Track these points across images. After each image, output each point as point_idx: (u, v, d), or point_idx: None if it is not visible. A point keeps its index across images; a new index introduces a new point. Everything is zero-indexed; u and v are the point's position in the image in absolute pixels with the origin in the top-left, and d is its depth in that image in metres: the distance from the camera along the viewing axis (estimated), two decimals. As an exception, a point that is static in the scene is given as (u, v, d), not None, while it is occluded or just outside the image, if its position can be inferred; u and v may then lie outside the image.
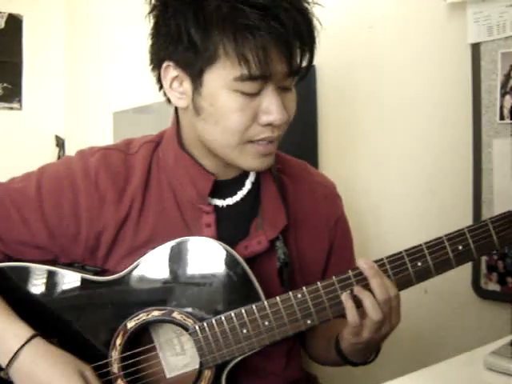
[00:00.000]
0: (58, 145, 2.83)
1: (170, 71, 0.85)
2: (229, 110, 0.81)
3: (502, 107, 1.19)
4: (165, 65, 0.85)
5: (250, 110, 0.81)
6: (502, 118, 1.19)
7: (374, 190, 1.47)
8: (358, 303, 0.82)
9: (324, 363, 1.06)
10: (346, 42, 1.47)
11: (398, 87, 1.40)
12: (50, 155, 2.75)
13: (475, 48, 1.22)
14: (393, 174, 1.42)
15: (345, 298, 0.82)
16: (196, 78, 0.82)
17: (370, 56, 1.44)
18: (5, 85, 2.69)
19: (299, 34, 0.79)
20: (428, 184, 1.35)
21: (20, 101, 2.74)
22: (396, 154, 1.41)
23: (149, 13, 0.86)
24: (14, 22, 2.71)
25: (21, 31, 2.73)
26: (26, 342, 0.82)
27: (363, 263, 0.82)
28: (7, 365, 0.81)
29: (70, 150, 2.78)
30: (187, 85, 0.84)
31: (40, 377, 0.81)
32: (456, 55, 1.27)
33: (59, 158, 2.79)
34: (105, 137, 2.40)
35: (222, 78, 0.80)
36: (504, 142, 1.19)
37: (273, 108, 0.81)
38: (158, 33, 0.85)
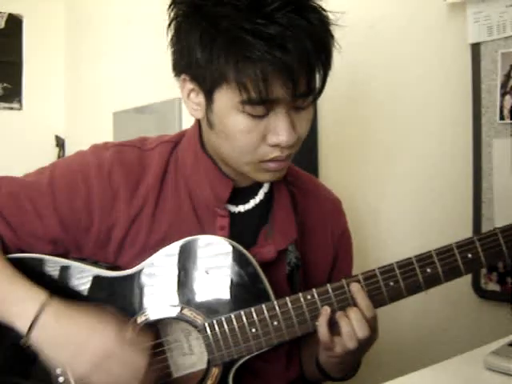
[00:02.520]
0: (57, 145, 2.83)
1: (187, 84, 0.86)
2: (236, 131, 0.82)
3: (502, 107, 1.19)
4: (182, 77, 0.86)
5: (257, 131, 0.81)
6: (502, 118, 1.19)
7: (373, 190, 1.47)
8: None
9: (311, 378, 1.05)
10: (345, 42, 1.46)
11: (397, 87, 1.40)
12: (50, 155, 2.75)
13: (475, 48, 1.22)
14: (393, 174, 1.42)
15: (322, 312, 0.84)
16: (208, 95, 0.83)
17: (370, 56, 1.44)
18: (5, 85, 2.70)
19: (307, 61, 0.78)
20: (428, 184, 1.35)
21: (20, 101, 2.75)
22: (396, 154, 1.41)
23: (168, 26, 0.86)
24: (14, 22, 2.71)
25: (21, 31, 2.73)
26: (45, 304, 0.81)
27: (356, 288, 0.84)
28: (29, 329, 0.80)
29: (70, 150, 2.78)
30: (202, 98, 0.85)
31: (64, 336, 0.81)
32: (456, 55, 1.27)
33: (59, 158, 2.79)
34: (105, 137, 2.39)
35: (228, 99, 0.80)
36: (504, 141, 1.19)
37: (280, 129, 0.81)
38: (174, 45, 0.86)
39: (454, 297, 1.30)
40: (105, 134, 2.43)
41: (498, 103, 1.19)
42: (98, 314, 0.83)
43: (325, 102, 1.54)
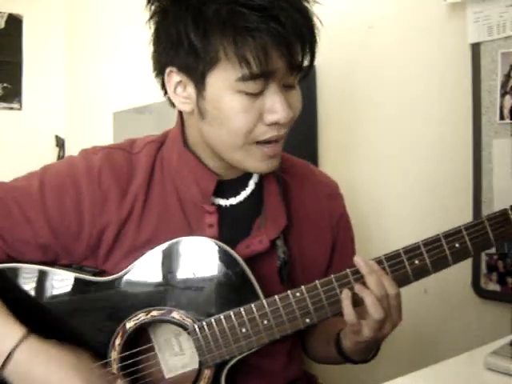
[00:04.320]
0: (58, 145, 2.83)
1: (174, 76, 0.85)
2: (233, 112, 0.81)
3: (501, 107, 1.19)
4: (168, 70, 0.85)
5: (254, 111, 0.82)
6: (502, 117, 1.19)
7: (373, 190, 1.47)
8: (358, 301, 0.82)
9: (323, 361, 1.06)
10: (345, 42, 1.47)
11: (397, 87, 1.40)
12: (50, 155, 2.75)
13: (475, 48, 1.22)
14: (393, 174, 1.42)
15: (343, 296, 0.82)
16: (199, 82, 0.82)
17: (370, 56, 1.44)
18: (5, 85, 2.69)
19: (299, 32, 0.79)
20: (428, 184, 1.35)
21: (20, 101, 2.75)
22: (396, 154, 1.41)
23: (148, 19, 0.86)
24: (14, 22, 2.71)
25: (21, 31, 2.73)
26: (20, 342, 0.81)
27: (359, 261, 0.83)
28: (1, 366, 0.80)
29: (70, 150, 2.78)
30: (191, 89, 0.84)
31: (36, 375, 0.81)
32: (456, 55, 1.27)
33: (59, 157, 2.79)
34: (105, 137, 2.40)
35: (224, 79, 0.80)
36: (504, 141, 1.19)
37: (277, 106, 0.82)
38: (158, 39, 0.86)
39: (453, 297, 1.30)
40: (105, 134, 2.43)
41: (498, 103, 1.19)
42: (72, 359, 0.83)
43: (325, 102, 1.54)
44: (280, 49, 0.78)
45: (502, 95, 1.19)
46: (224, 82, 0.80)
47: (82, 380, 0.82)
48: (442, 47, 1.30)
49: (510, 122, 1.18)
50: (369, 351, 0.91)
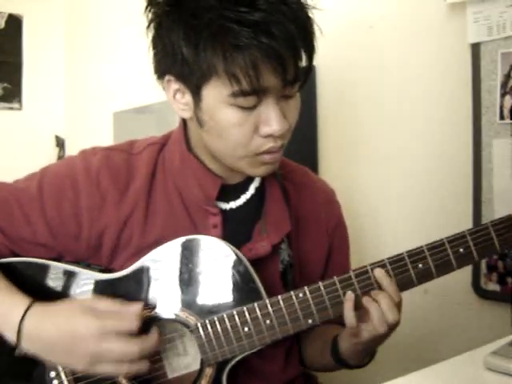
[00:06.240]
0: (58, 145, 2.83)
1: (172, 84, 0.85)
2: (228, 125, 0.81)
3: (502, 107, 1.19)
4: (166, 78, 0.85)
5: (249, 123, 0.81)
6: (502, 117, 1.19)
7: (373, 190, 1.47)
8: (359, 305, 0.82)
9: (319, 369, 1.06)
10: (346, 42, 1.47)
11: (397, 87, 1.40)
12: (49, 155, 2.75)
13: (475, 48, 1.23)
14: (393, 174, 1.43)
15: (347, 297, 0.83)
16: (195, 93, 0.82)
17: (370, 56, 1.44)
18: (5, 85, 2.69)
19: (293, 45, 0.77)
20: (428, 184, 1.35)
21: (20, 101, 2.75)
22: (396, 155, 1.41)
23: (147, 27, 0.85)
24: (14, 22, 2.71)
25: (21, 31, 2.73)
26: (25, 312, 0.81)
27: (381, 275, 0.83)
28: (17, 339, 0.80)
29: (70, 150, 2.78)
30: (189, 97, 0.84)
31: (50, 335, 0.80)
32: (456, 55, 1.27)
33: (59, 158, 2.79)
34: (105, 137, 2.40)
35: (217, 93, 0.80)
36: (504, 141, 1.19)
37: (272, 119, 0.81)
38: (156, 47, 0.86)
39: (454, 297, 1.30)
40: (105, 134, 2.44)
41: (498, 103, 1.19)
42: (72, 308, 0.82)
43: (325, 102, 1.54)
44: (271, 63, 0.76)
45: (502, 95, 1.19)
46: (218, 96, 0.80)
47: (93, 321, 0.79)
48: (441, 47, 1.30)
49: (510, 122, 1.18)
50: (365, 354, 0.91)
